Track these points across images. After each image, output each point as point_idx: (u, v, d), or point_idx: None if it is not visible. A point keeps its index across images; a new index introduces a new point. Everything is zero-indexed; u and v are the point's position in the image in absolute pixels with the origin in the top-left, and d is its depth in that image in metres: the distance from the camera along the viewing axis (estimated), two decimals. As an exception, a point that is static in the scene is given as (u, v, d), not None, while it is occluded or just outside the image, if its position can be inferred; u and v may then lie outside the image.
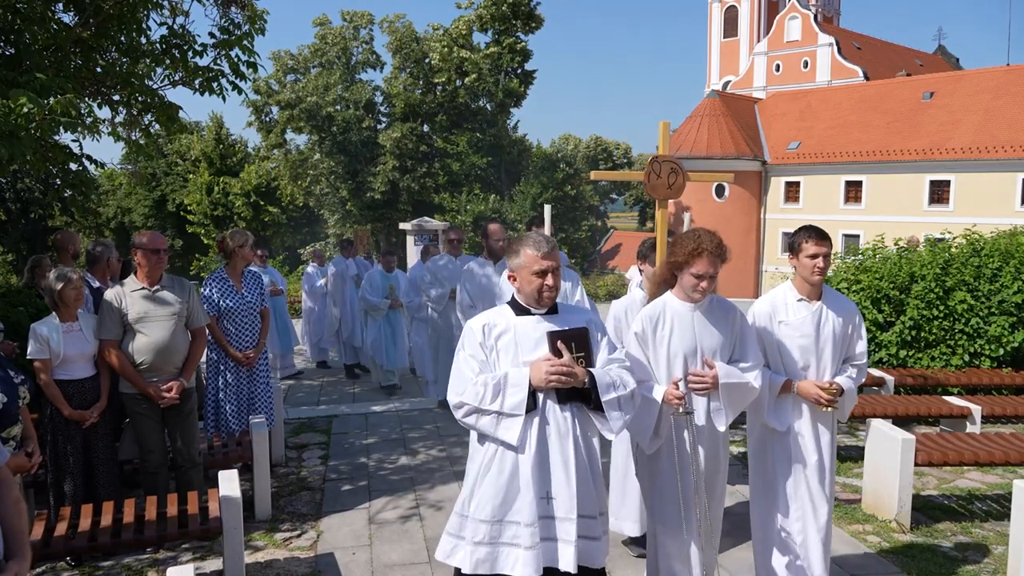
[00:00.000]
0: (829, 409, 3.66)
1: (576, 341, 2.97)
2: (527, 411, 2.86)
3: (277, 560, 4.60)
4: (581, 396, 2.95)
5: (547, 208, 6.48)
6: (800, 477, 3.72)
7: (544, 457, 2.90)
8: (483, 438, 3.00)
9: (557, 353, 2.91)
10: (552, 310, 3.05)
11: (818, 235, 3.65)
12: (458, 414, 2.96)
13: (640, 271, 4.80)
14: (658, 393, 3.41)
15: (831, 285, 8.55)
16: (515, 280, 3.05)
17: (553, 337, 2.94)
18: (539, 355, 2.94)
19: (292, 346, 10.76)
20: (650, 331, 3.48)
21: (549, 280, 2.96)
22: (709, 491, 3.52)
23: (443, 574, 4.42)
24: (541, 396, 2.91)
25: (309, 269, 11.79)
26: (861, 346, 3.79)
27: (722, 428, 3.49)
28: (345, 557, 4.63)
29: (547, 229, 6.18)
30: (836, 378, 3.71)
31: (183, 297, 4.82)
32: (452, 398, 2.96)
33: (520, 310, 3.04)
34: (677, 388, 3.37)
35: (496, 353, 2.99)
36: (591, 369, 2.97)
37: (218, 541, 4.41)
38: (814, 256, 3.62)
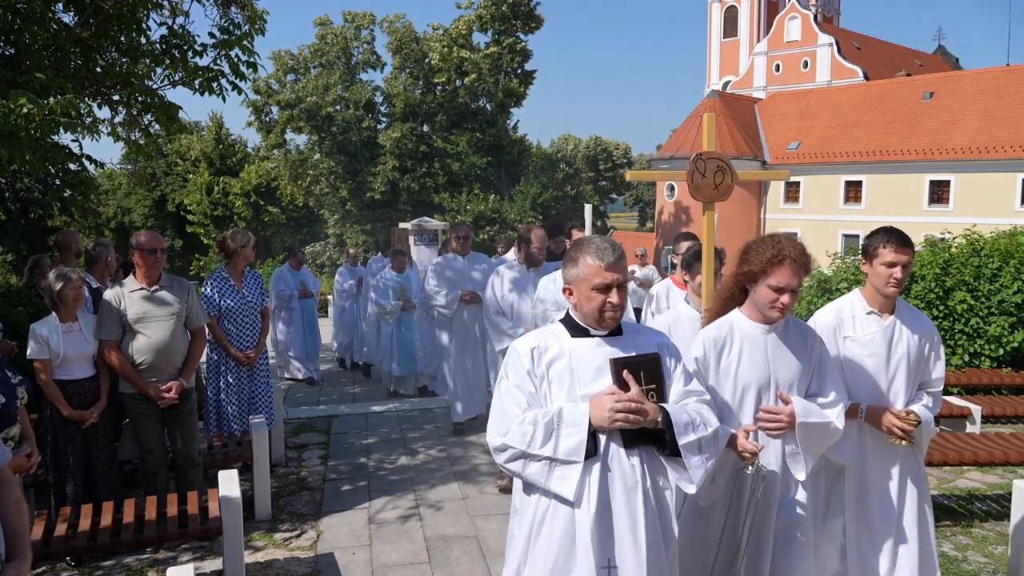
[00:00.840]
0: (903, 443, 3.13)
1: (646, 370, 2.48)
2: (586, 457, 2.37)
3: (277, 560, 4.60)
4: (652, 438, 2.46)
5: (588, 208, 5.52)
6: (867, 524, 3.20)
7: (606, 516, 2.39)
8: (531, 488, 2.48)
9: (623, 385, 2.43)
10: (616, 331, 2.55)
11: (899, 240, 3.11)
12: (500, 458, 2.47)
13: (685, 281, 4.43)
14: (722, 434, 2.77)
15: (831, 285, 8.54)
16: (571, 294, 2.54)
17: (618, 365, 2.45)
18: (600, 387, 2.45)
19: (319, 350, 10.57)
20: (713, 357, 2.92)
21: (613, 297, 2.44)
22: (790, 551, 2.93)
23: (443, 574, 4.42)
24: (603, 438, 2.42)
25: (341, 269, 11.57)
26: (939, 370, 3.29)
27: (801, 476, 2.93)
28: (345, 557, 4.63)
29: (588, 231, 5.55)
30: (911, 406, 3.20)
31: (182, 297, 4.82)
32: (493, 439, 2.47)
33: (577, 331, 2.54)
34: (749, 437, 2.81)
35: (548, 384, 2.49)
36: (664, 405, 2.47)
37: (218, 541, 4.41)
38: (891, 264, 3.09)
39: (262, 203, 42.44)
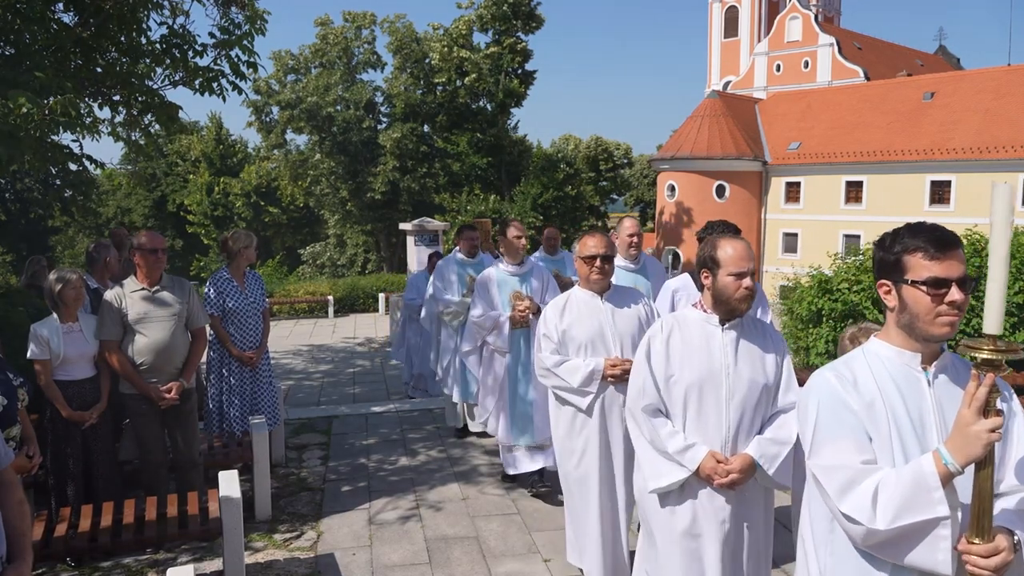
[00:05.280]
0: None
1: None
2: None
3: (277, 561, 4.59)
4: None
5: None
6: None
7: None
8: None
9: None
10: None
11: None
12: None
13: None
14: None
15: (832, 285, 8.48)
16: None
17: None
18: None
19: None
20: None
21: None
22: None
23: (443, 575, 4.42)
24: None
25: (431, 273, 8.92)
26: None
27: None
28: (345, 558, 4.62)
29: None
30: None
31: (183, 298, 4.81)
32: None
33: None
34: None
35: None
36: None
37: (218, 542, 4.40)
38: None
39: (262, 203, 42.51)
